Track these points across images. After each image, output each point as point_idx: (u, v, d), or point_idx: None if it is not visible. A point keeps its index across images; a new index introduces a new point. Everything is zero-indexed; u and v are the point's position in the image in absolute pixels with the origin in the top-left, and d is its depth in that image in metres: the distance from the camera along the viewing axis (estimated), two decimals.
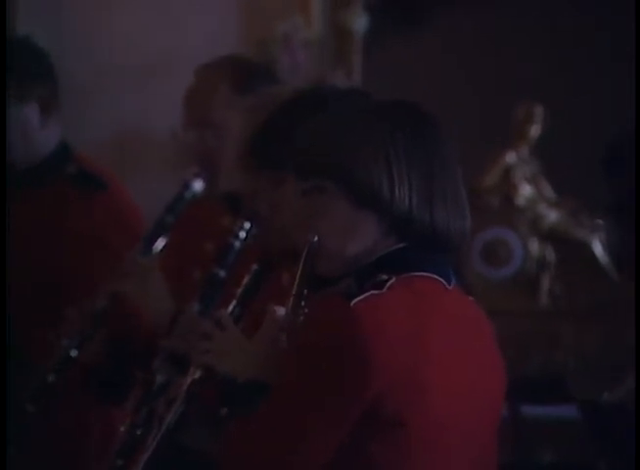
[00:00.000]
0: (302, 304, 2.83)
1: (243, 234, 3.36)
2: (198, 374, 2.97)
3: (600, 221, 6.66)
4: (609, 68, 7.11)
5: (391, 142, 2.74)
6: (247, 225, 3.36)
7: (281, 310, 2.83)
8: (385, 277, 2.69)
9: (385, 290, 2.70)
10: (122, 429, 3.43)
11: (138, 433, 3.39)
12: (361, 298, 2.67)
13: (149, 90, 6.33)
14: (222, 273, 3.41)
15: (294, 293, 2.81)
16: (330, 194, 2.75)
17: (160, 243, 3.71)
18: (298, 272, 2.80)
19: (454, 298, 2.71)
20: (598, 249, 6.66)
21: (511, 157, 6.60)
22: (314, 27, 6.72)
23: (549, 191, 6.68)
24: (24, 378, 3.95)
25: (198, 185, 3.82)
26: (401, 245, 2.73)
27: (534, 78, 6.97)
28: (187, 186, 3.80)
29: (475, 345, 2.76)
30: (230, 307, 3.12)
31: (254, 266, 3.19)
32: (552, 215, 6.65)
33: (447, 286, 2.68)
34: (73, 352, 3.85)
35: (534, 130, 6.54)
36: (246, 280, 3.18)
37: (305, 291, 2.83)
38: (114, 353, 3.93)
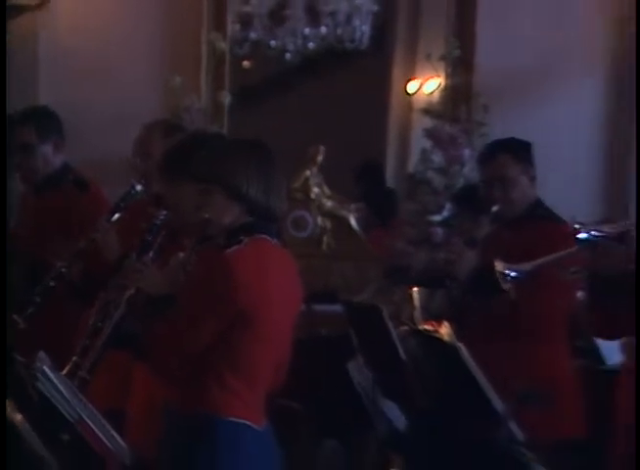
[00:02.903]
0: (194, 252, 3.45)
1: (162, 217, 3.86)
2: (132, 291, 3.54)
3: (354, 206, 7.62)
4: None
5: (248, 162, 3.37)
6: (163, 212, 3.85)
7: (182, 255, 3.49)
8: (243, 238, 3.34)
9: (242, 245, 3.32)
10: (90, 322, 3.83)
11: (99, 325, 3.79)
12: (230, 249, 3.32)
13: None
14: (150, 238, 3.89)
15: (190, 246, 3.47)
16: (214, 192, 3.38)
17: (116, 217, 4.49)
18: (193, 236, 3.46)
19: (278, 249, 3.42)
20: (353, 221, 7.64)
21: (308, 172, 7.58)
22: (203, 101, 7.38)
23: (326, 190, 7.63)
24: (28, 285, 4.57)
25: (139, 187, 4.50)
26: (251, 219, 3.37)
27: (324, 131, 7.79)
28: (133, 187, 4.50)
29: (289, 274, 3.48)
30: (150, 254, 3.81)
31: (162, 232, 3.84)
32: (328, 203, 7.63)
33: (275, 242, 3.39)
34: (65, 270, 4.55)
35: (319, 158, 7.55)
36: (158, 240, 3.85)
37: (196, 245, 3.45)
38: (88, 275, 4.56)
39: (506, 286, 3.62)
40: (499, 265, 3.63)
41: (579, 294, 4.42)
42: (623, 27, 6.82)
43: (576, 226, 3.45)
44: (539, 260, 3.66)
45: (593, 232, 3.38)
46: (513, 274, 3.59)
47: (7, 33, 6.66)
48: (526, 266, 3.61)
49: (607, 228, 3.47)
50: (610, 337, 4.14)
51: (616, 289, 3.54)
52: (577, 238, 3.47)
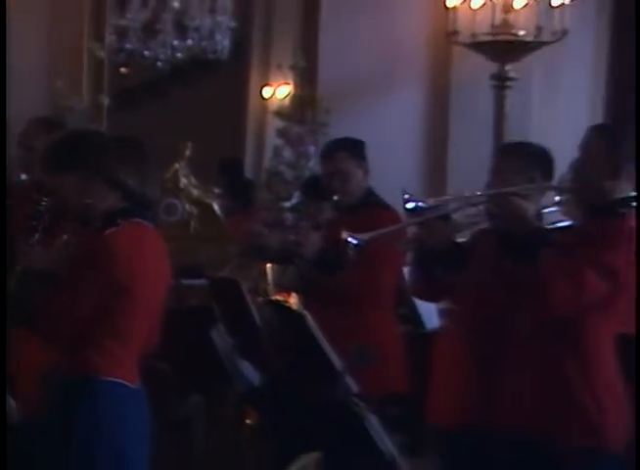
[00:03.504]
0: (77, 234, 3.39)
1: (43, 203, 3.71)
2: (20, 270, 3.47)
3: (217, 191, 7.60)
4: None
5: (124, 155, 3.34)
6: (45, 199, 3.70)
7: (65, 237, 3.42)
8: (120, 221, 3.30)
9: (119, 227, 3.30)
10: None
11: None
12: (108, 230, 3.30)
13: None
14: (34, 222, 3.72)
15: (72, 229, 3.43)
16: (94, 181, 3.33)
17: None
18: (75, 220, 3.40)
19: (151, 231, 3.39)
20: (216, 208, 7.63)
21: (177, 165, 7.57)
22: (84, 102, 7.46)
23: (193, 180, 7.63)
24: None
25: (24, 176, 4.37)
26: (127, 205, 3.34)
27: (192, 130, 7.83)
28: (18, 176, 4.41)
29: (160, 253, 3.45)
30: (36, 236, 3.63)
31: (45, 217, 3.63)
32: (195, 192, 7.62)
33: (148, 225, 3.36)
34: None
35: (187, 153, 7.55)
36: (43, 224, 3.64)
37: (78, 228, 3.38)
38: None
39: (350, 253, 3.70)
40: (345, 235, 3.71)
41: (406, 266, 4.58)
42: (446, 42, 6.94)
43: (406, 196, 3.56)
44: (375, 232, 3.77)
45: (420, 203, 3.53)
46: (355, 242, 3.67)
47: None
48: (365, 236, 3.69)
49: (431, 201, 3.62)
50: (431, 299, 4.29)
51: (438, 258, 3.68)
52: (406, 207, 3.59)
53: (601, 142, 3.47)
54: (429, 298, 4.31)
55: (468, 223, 3.76)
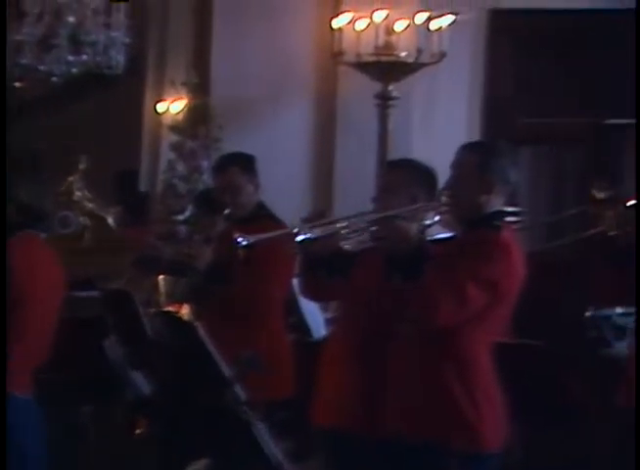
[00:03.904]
0: None
1: None
2: None
3: (111, 204, 7.55)
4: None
5: (19, 169, 3.38)
6: None
7: None
8: (15, 232, 3.42)
9: (13, 238, 3.41)
10: None
11: None
12: (12, 238, 3.38)
13: None
14: None
15: None
16: None
17: None
18: None
19: (43, 242, 3.49)
20: (110, 220, 7.53)
21: (71, 178, 7.44)
22: None
23: (87, 193, 7.50)
24: None
25: None
26: (21, 217, 3.44)
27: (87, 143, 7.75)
28: None
29: (53, 264, 3.50)
30: None
31: None
32: (89, 205, 7.53)
33: (41, 237, 3.47)
34: None
35: (82, 166, 7.40)
36: None
37: None
38: None
39: (239, 252, 3.73)
40: (235, 234, 3.75)
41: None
42: (332, 62, 7.00)
43: (294, 230, 3.64)
44: (265, 235, 3.85)
45: (308, 235, 3.60)
46: (244, 242, 3.72)
47: None
48: (252, 238, 3.74)
49: (320, 231, 3.68)
50: (316, 299, 4.47)
51: (323, 264, 3.78)
52: (297, 241, 3.66)
53: (473, 158, 3.52)
54: (314, 297, 4.35)
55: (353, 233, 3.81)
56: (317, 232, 3.58)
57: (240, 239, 3.71)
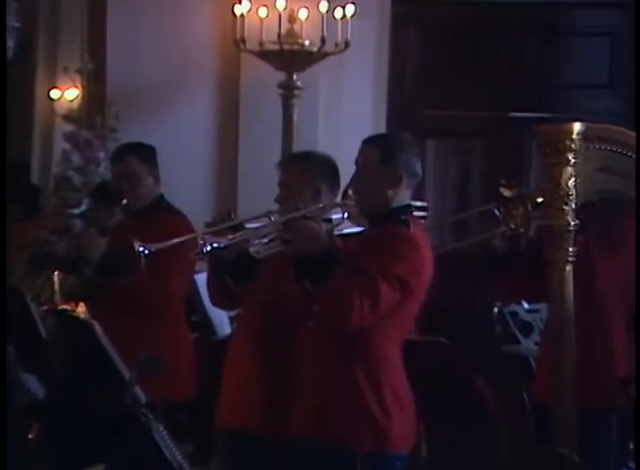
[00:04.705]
0: None
1: None
2: None
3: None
4: None
5: None
6: None
7: None
8: None
9: None
10: None
11: None
12: None
13: None
14: None
15: None
16: None
17: None
18: None
19: None
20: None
21: None
22: None
23: None
24: None
25: None
26: None
27: None
28: None
29: None
30: None
31: None
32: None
33: None
34: None
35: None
36: None
37: None
38: None
39: (141, 262, 3.71)
40: (136, 244, 3.70)
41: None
42: (234, 49, 6.85)
43: (201, 242, 3.63)
44: (166, 243, 3.80)
45: (214, 244, 3.61)
46: (146, 252, 3.69)
47: None
48: (154, 246, 3.71)
49: (225, 240, 3.68)
50: (227, 308, 4.45)
51: (229, 267, 3.77)
52: (203, 251, 3.66)
53: (376, 153, 3.50)
54: (224, 306, 4.34)
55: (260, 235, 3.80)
56: (222, 242, 3.60)
57: (141, 248, 3.68)
